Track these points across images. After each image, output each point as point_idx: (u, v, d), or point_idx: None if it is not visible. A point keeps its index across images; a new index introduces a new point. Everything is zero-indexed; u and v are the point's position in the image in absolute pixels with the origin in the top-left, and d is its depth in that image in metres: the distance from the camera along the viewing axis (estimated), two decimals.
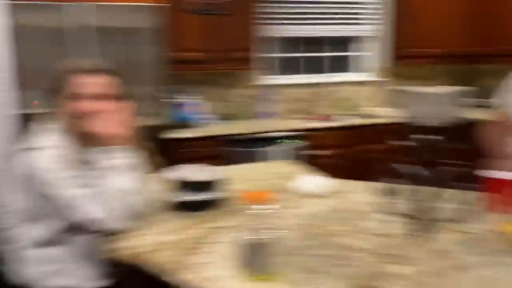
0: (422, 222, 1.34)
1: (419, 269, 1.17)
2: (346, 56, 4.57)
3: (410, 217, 1.40)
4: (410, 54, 4.14)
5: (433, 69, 4.58)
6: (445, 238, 1.35)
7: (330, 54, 4.45)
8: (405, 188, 1.47)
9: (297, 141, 3.64)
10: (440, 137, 1.30)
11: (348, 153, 3.77)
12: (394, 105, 4.20)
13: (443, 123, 1.26)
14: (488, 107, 4.05)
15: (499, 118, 1.94)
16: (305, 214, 1.59)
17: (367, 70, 4.53)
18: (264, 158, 3.43)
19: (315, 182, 1.82)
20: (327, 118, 3.96)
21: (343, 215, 1.57)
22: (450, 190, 1.54)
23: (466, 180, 1.46)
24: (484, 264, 1.19)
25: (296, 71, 4.40)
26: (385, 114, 4.08)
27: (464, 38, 4.18)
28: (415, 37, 4.08)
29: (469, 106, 4.23)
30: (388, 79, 4.46)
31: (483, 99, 4.22)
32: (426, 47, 4.14)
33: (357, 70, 4.57)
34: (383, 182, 1.53)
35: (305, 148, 3.66)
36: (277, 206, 1.25)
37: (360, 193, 1.80)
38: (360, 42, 4.50)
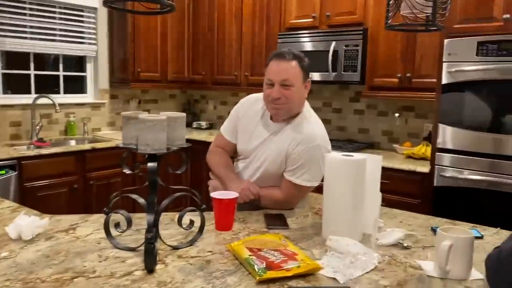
0: (146, 253, 1.26)
1: None
2: (81, 76, 4.25)
3: (134, 249, 1.30)
4: (136, 78, 4.18)
5: (157, 93, 4.76)
6: (174, 266, 1.30)
7: (50, 73, 4.03)
8: (132, 217, 1.37)
9: (4, 172, 3.07)
10: (155, 164, 1.25)
11: (73, 181, 3.44)
12: (119, 128, 4.11)
13: (164, 148, 1.23)
14: (208, 129, 4.53)
15: (219, 142, 2.06)
16: (16, 263, 1.28)
17: (94, 91, 4.32)
18: None
19: (28, 222, 1.50)
20: (44, 143, 3.53)
21: (60, 258, 1.34)
22: (175, 213, 1.53)
23: (193, 203, 1.48)
24: (210, 283, 1.19)
25: (23, 90, 3.79)
26: (112, 138, 3.96)
27: (183, 64, 4.52)
28: (136, 61, 4.14)
29: (192, 129, 4.57)
30: (110, 101, 4.37)
31: (204, 123, 4.66)
32: (150, 71, 4.27)
33: (85, 91, 4.30)
34: (109, 213, 1.39)
35: (18, 180, 3.12)
36: None
37: (84, 228, 1.59)
38: (90, 62, 4.27)
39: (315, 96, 4.03)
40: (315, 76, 3.54)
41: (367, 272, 1.28)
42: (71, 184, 3.41)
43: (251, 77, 4.05)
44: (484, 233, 1.61)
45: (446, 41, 2.68)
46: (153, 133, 1.26)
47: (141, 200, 1.38)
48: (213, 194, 1.62)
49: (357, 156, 1.52)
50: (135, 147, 1.31)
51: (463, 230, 1.32)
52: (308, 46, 3.56)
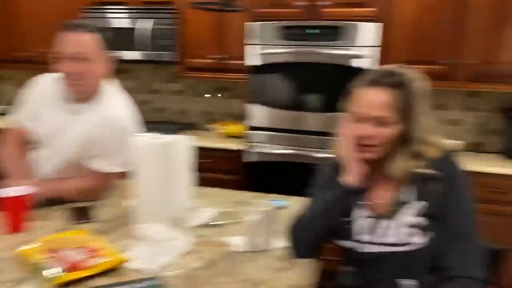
0: None
1: None
2: None
3: None
4: None
5: None
6: None
7: None
8: None
9: None
10: None
11: None
12: None
13: None
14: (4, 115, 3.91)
15: (12, 131, 1.77)
16: None
17: None
18: None
19: None
20: None
21: None
22: None
23: None
24: None
25: None
26: None
27: None
28: None
29: None
30: None
31: (2, 107, 4.00)
32: None
33: None
34: None
35: None
36: None
37: None
38: None
39: (131, 76, 3.83)
40: (129, 55, 3.34)
41: (178, 257, 1.25)
42: None
43: (50, 54, 3.60)
44: (289, 202, 1.74)
45: (252, 24, 2.81)
46: None
47: None
48: (6, 192, 1.37)
49: (165, 138, 1.46)
50: None
51: (267, 203, 1.40)
52: (118, 23, 3.33)
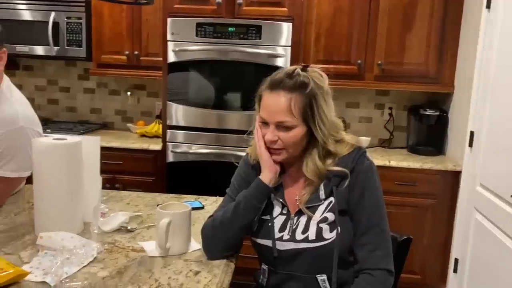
0: None
1: None
2: None
3: None
4: None
5: None
6: None
7: None
8: None
9: None
10: None
11: None
12: None
13: None
14: None
15: None
16: None
17: None
18: None
19: None
20: None
21: None
22: None
23: None
24: None
25: None
26: None
27: None
28: None
29: None
30: None
31: None
32: None
33: None
34: None
35: None
36: None
37: None
38: None
39: (38, 73, 3.55)
40: (35, 50, 3.10)
41: (84, 266, 1.16)
42: None
43: None
44: (205, 203, 1.71)
45: (168, 20, 2.73)
46: None
47: None
48: None
49: (70, 139, 1.36)
50: None
51: (181, 205, 1.35)
52: (24, 15, 3.07)
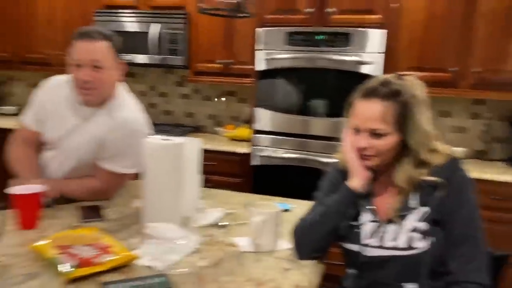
0: None
1: None
2: None
3: None
4: None
5: None
6: None
7: None
8: None
9: None
10: None
11: None
12: None
13: None
14: (18, 115, 3.97)
15: (22, 133, 1.81)
16: None
17: None
18: None
19: None
20: None
21: None
22: None
23: None
24: (12, 286, 1.04)
25: None
26: None
27: None
28: None
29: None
30: None
31: (12, 107, 4.07)
32: None
33: None
34: None
35: None
36: None
37: None
38: None
39: (140, 80, 3.89)
40: (139, 58, 3.40)
41: (185, 256, 1.28)
42: None
43: (64, 56, 3.66)
44: (293, 206, 1.77)
45: (259, 30, 2.86)
46: None
47: None
48: (12, 190, 1.41)
49: (175, 139, 1.50)
50: None
51: (272, 205, 1.43)
52: (129, 27, 3.39)
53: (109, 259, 1.17)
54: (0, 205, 1.29)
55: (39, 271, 1.15)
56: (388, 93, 1.20)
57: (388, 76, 1.25)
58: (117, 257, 1.19)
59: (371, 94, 1.21)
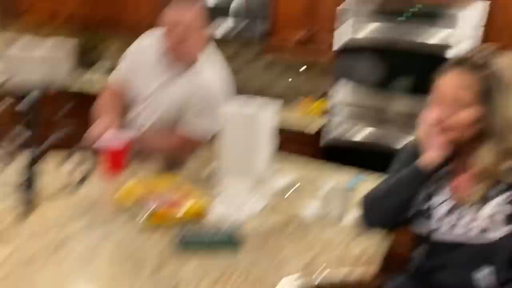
0: (27, 193, 1.19)
1: (15, 251, 1.02)
2: None
3: (18, 188, 1.21)
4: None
5: (52, 29, 4.33)
6: (54, 207, 1.24)
7: None
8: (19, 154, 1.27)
9: None
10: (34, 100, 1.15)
11: None
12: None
13: (51, 88, 1.13)
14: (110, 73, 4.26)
15: (111, 87, 1.95)
16: None
17: None
18: None
19: None
20: None
21: None
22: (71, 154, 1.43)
23: (78, 145, 1.40)
24: (90, 230, 1.16)
25: None
26: None
27: (87, 3, 4.15)
28: None
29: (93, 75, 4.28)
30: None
31: (105, 67, 4.37)
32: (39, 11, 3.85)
33: None
34: None
35: None
36: None
37: None
38: None
39: (219, 49, 3.95)
40: (219, 28, 3.46)
41: (254, 215, 1.33)
42: None
43: (155, 20, 3.81)
44: (366, 178, 1.74)
45: (346, 2, 2.77)
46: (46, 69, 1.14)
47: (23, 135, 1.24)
48: (102, 138, 1.54)
49: (254, 103, 1.54)
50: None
51: (345, 174, 1.42)
52: None
53: (185, 210, 1.25)
54: (90, 150, 1.41)
55: (121, 213, 1.26)
56: (475, 64, 1.12)
57: (478, 49, 1.16)
58: (193, 207, 1.27)
59: (458, 64, 1.14)
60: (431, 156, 1.19)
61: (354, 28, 2.76)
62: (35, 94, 1.17)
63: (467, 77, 1.12)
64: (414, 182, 1.22)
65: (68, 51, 1.28)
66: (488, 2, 2.43)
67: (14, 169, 1.25)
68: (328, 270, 1.09)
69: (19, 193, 1.20)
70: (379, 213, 1.27)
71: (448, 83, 1.15)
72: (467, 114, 1.13)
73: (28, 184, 1.22)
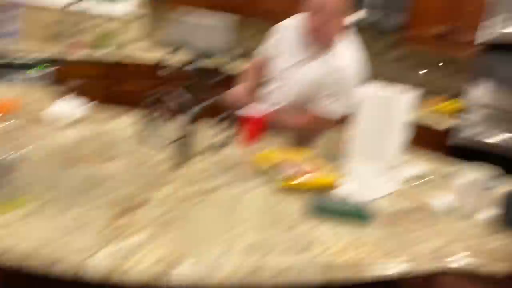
0: (182, 148, 1.36)
1: (171, 194, 1.18)
2: None
3: (171, 143, 1.40)
4: None
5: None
6: (202, 162, 1.40)
7: None
8: (167, 114, 1.47)
9: (45, 67, 3.19)
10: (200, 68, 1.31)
11: (101, 87, 3.52)
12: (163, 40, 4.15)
13: (217, 56, 1.28)
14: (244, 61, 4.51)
15: (253, 62, 2.12)
16: (58, 142, 1.41)
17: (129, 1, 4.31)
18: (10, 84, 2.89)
19: (70, 106, 1.62)
20: (80, 48, 3.60)
21: (99, 142, 1.46)
22: (209, 120, 1.61)
23: (223, 114, 1.56)
24: (232, 184, 1.29)
25: None
26: (146, 52, 4.01)
27: None
28: None
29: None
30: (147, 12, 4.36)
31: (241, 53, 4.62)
32: None
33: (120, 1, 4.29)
34: (145, 109, 1.49)
35: (54, 76, 3.25)
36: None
37: (118, 120, 1.71)
38: None
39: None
40: (356, 16, 3.45)
41: (383, 197, 1.35)
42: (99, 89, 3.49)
43: (292, 7, 3.95)
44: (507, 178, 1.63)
45: None
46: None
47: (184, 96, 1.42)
48: (243, 108, 1.69)
49: (390, 89, 1.55)
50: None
51: (480, 169, 1.36)
52: None
53: (317, 179, 1.32)
54: (235, 116, 1.56)
55: (258, 175, 1.38)
56: None
57: None
58: (325, 178, 1.34)
59: None
60: None
61: (505, 23, 2.56)
62: (201, 62, 1.33)
63: None
64: None
65: (229, 25, 1.42)
66: None
67: (174, 126, 1.44)
68: (462, 255, 1.08)
69: (177, 146, 1.38)
70: None
71: None
72: None
73: (184, 140, 1.39)
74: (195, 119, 1.42)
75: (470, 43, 2.88)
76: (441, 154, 2.85)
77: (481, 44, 2.69)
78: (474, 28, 2.85)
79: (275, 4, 4.11)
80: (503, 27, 2.57)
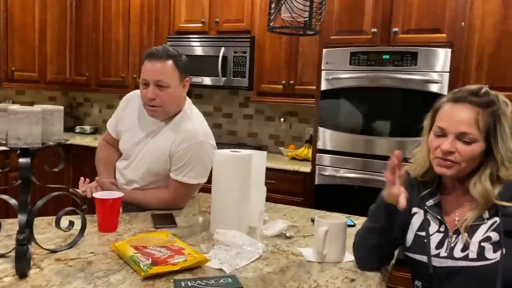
0: (17, 256, 1.16)
1: None
2: None
3: (3, 255, 1.19)
4: (9, 77, 3.80)
5: (35, 95, 4.38)
6: (51, 269, 1.21)
7: None
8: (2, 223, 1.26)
9: None
10: (28, 160, 1.17)
11: None
12: None
13: (39, 143, 1.15)
14: (93, 134, 4.30)
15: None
16: None
17: None
18: None
19: None
20: None
21: None
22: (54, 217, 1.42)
23: (75, 205, 1.40)
24: (94, 281, 1.14)
25: None
26: None
27: (65, 64, 4.24)
28: (10, 58, 3.78)
29: (75, 134, 4.29)
30: None
31: (88, 127, 4.40)
32: (27, 71, 3.92)
33: None
34: None
35: None
36: None
37: None
38: None
39: (206, 101, 4.06)
40: (206, 80, 3.58)
41: (252, 261, 1.32)
42: None
43: (139, 79, 3.93)
44: (356, 222, 1.77)
45: (323, 50, 2.91)
46: (25, 126, 1.16)
47: (13, 201, 1.26)
48: (96, 194, 1.55)
49: (243, 151, 1.57)
50: (4, 142, 1.20)
51: (338, 217, 1.44)
52: (198, 51, 3.59)
53: (182, 260, 1.24)
54: (83, 207, 1.41)
55: (119, 268, 1.24)
56: (483, 101, 1.19)
57: (480, 86, 1.23)
58: (190, 258, 1.26)
59: (463, 99, 1.20)
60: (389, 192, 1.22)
61: (333, 74, 2.89)
62: (33, 150, 1.18)
63: (474, 113, 1.18)
64: (377, 219, 1.27)
65: (61, 109, 1.31)
66: (449, 50, 2.60)
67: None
68: None
69: (15, 252, 1.18)
70: (366, 255, 1.31)
71: (458, 116, 1.19)
72: (474, 149, 1.18)
73: (24, 242, 1.19)
74: (34, 217, 1.23)
75: (309, 94, 3.17)
76: (309, 194, 3.02)
77: (316, 94, 2.97)
78: (310, 81, 3.16)
79: (125, 77, 4.04)
80: (331, 77, 2.89)
